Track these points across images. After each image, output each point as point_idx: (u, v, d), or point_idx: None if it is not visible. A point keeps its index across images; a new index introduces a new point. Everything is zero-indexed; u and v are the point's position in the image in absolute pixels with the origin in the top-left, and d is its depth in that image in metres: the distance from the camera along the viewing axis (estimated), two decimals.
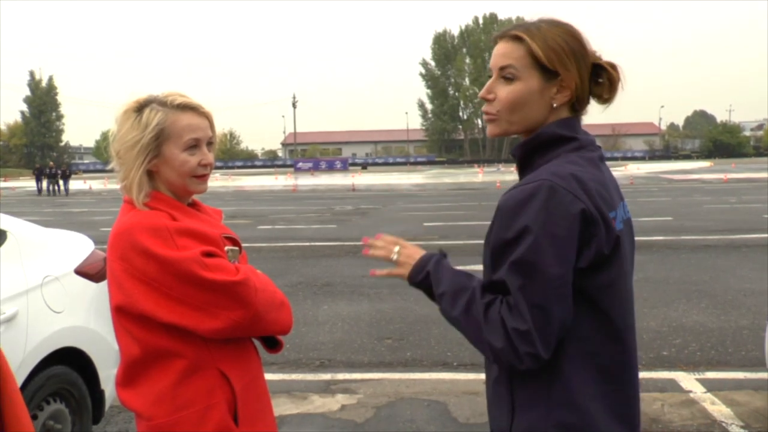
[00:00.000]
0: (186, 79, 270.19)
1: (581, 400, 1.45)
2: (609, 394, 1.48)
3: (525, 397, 1.49)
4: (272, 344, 2.00)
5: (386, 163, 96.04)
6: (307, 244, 12.73)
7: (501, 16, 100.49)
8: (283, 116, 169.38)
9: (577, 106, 1.58)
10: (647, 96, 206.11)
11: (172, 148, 1.78)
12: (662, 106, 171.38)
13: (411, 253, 1.65)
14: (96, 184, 46.65)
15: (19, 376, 3.24)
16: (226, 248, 1.82)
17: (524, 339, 1.40)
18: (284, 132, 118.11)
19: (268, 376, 5.25)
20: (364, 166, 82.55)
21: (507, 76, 1.54)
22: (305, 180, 49.17)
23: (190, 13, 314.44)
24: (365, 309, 7.50)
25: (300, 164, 79.00)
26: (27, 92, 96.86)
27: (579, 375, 1.46)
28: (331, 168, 75.90)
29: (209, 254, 1.72)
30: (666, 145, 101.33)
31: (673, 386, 4.95)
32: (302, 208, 22.28)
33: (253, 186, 41.01)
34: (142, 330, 1.73)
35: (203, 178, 1.85)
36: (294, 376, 5.36)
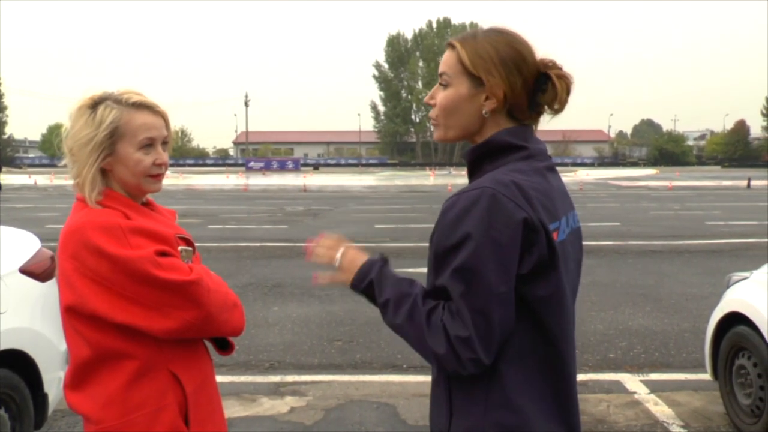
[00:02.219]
0: (138, 74, 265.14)
1: (519, 401, 1.48)
2: (547, 395, 1.52)
3: (463, 398, 1.51)
4: (224, 346, 1.98)
5: (338, 164, 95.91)
6: (258, 244, 12.64)
7: (454, 21, 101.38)
8: (235, 115, 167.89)
9: (517, 115, 1.59)
10: (597, 104, 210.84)
11: (126, 147, 1.75)
12: (611, 115, 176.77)
13: (353, 257, 1.64)
14: (42, 179, 45.28)
15: None
16: (180, 248, 1.79)
17: (466, 345, 1.42)
18: (236, 131, 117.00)
19: (218, 378, 5.18)
20: (316, 167, 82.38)
21: (442, 82, 1.60)
22: (257, 180, 48.72)
23: (143, 8, 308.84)
24: (315, 311, 7.47)
25: (251, 164, 78.30)
26: None
27: (516, 376, 1.49)
28: (282, 168, 75.40)
29: (163, 253, 1.70)
30: (614, 152, 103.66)
31: (618, 387, 5.07)
32: (253, 208, 22.07)
33: (203, 185, 40.49)
34: (93, 331, 1.69)
35: (158, 177, 1.82)
36: (243, 378, 5.31)
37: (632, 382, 5.20)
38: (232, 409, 4.58)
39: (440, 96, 1.59)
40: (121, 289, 1.65)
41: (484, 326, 1.42)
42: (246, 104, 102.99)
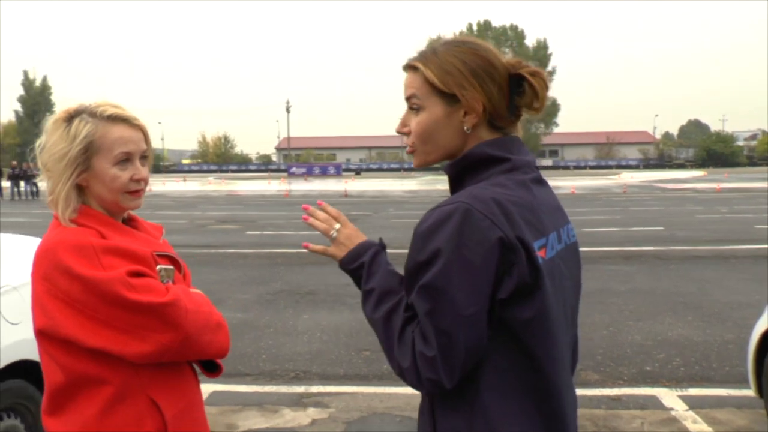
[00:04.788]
0: (183, 82, 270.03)
1: (503, 431, 1.38)
2: (534, 426, 1.41)
3: (447, 428, 1.43)
4: (212, 368, 1.89)
5: (380, 169, 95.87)
6: (294, 251, 12.62)
7: (495, 23, 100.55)
8: (277, 121, 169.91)
9: (498, 123, 1.50)
10: (642, 105, 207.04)
11: (102, 162, 1.68)
12: (657, 115, 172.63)
13: (350, 234, 1.58)
14: None
15: None
16: (159, 267, 1.71)
17: (428, 364, 1.34)
18: (278, 137, 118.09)
19: (242, 388, 5.24)
20: (358, 172, 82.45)
21: (413, 106, 1.50)
22: (298, 185, 49.00)
23: (187, 16, 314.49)
24: (346, 319, 7.39)
25: (293, 169, 78.78)
26: (21, 92, 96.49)
27: (500, 407, 1.39)
28: (324, 173, 75.71)
29: (137, 274, 1.62)
30: (660, 153, 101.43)
31: (654, 403, 4.85)
32: (293, 214, 22.12)
33: (245, 190, 40.81)
34: (65, 355, 1.62)
35: (136, 193, 1.74)
36: (267, 388, 5.24)
37: (669, 397, 4.97)
38: (253, 420, 4.52)
39: (414, 122, 1.50)
40: (93, 312, 1.57)
41: (447, 348, 1.33)
42: (287, 110, 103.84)
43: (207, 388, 5.15)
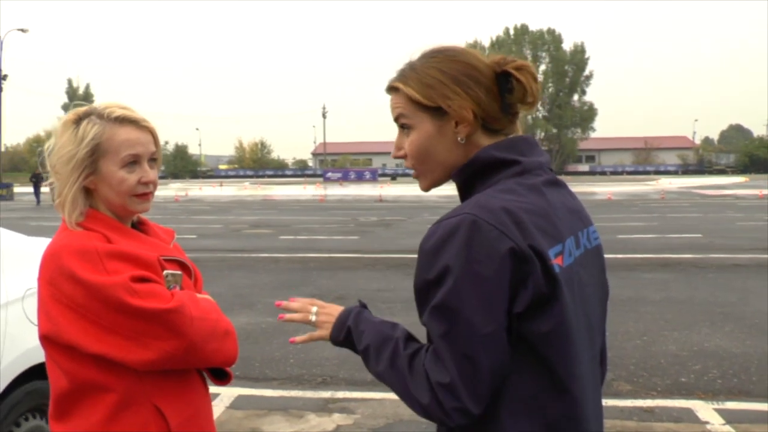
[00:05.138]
0: (221, 88, 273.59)
1: None
2: None
3: None
4: (221, 375, 1.85)
5: None
6: (326, 255, 12.62)
7: (532, 27, 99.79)
8: (313, 126, 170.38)
9: (494, 126, 1.42)
10: (681, 109, 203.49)
11: (109, 165, 1.65)
12: (696, 120, 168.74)
13: (329, 311, 1.53)
14: None
15: None
16: (165, 272, 1.67)
17: (449, 392, 1.25)
18: (315, 142, 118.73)
19: (268, 392, 5.23)
20: (394, 177, 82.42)
21: (404, 126, 1.44)
22: (334, 190, 49.19)
23: (225, 23, 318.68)
24: None
25: (329, 174, 79.13)
26: (65, 99, 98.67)
27: (522, 429, 1.30)
28: (360, 178, 75.89)
29: (141, 279, 1.59)
30: (700, 159, 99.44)
31: (689, 416, 4.70)
32: (327, 219, 22.21)
33: (280, 195, 41.10)
34: (69, 361, 1.60)
35: (144, 197, 1.71)
36: (293, 393, 5.22)
37: (705, 410, 4.80)
38: (277, 425, 4.50)
39: (407, 143, 1.44)
40: (96, 318, 1.55)
41: (469, 372, 1.25)
42: (324, 116, 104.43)
43: (233, 391, 5.16)
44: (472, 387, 1.25)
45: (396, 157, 1.49)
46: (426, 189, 1.51)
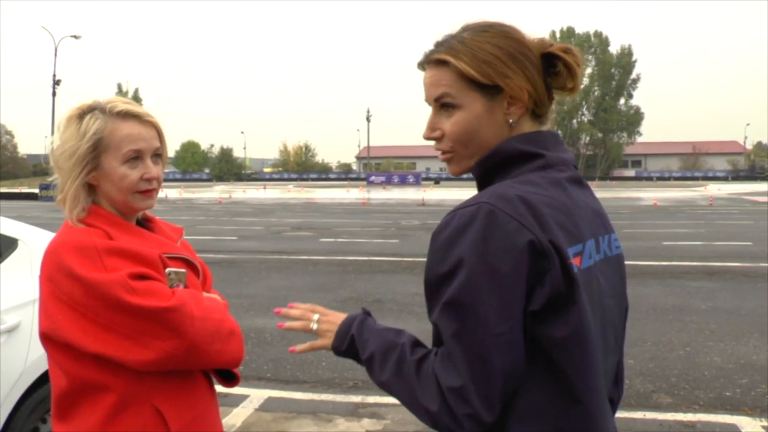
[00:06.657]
0: (266, 92, 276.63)
1: None
2: None
3: None
4: (228, 376, 1.80)
5: (460, 178, 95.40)
6: (366, 258, 12.56)
7: (578, 30, 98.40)
8: (358, 130, 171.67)
9: (540, 111, 1.34)
10: (732, 113, 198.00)
11: (110, 161, 1.61)
12: (748, 124, 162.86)
13: (332, 319, 1.45)
14: (172, 192, 47.58)
15: (19, 388, 3.16)
16: (168, 270, 1.62)
17: (460, 398, 1.16)
18: (359, 145, 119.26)
19: (298, 395, 5.18)
20: (437, 181, 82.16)
21: (446, 104, 1.32)
22: (377, 194, 49.19)
23: (270, 27, 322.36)
24: (411, 328, 7.09)
25: (372, 177, 79.18)
26: None
27: None
28: (403, 182, 75.75)
29: (140, 276, 1.54)
30: (751, 165, 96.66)
31: None
32: (368, 222, 22.17)
33: (323, 198, 41.24)
34: (68, 360, 1.56)
35: (148, 193, 1.66)
36: (324, 397, 5.17)
37: (751, 426, 4.58)
38: (305, 429, 4.45)
39: (449, 124, 1.32)
40: (95, 316, 1.50)
41: (482, 375, 1.15)
42: (368, 119, 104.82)
43: (263, 393, 5.14)
44: (484, 392, 1.16)
45: (429, 138, 1.37)
46: (459, 173, 1.41)
